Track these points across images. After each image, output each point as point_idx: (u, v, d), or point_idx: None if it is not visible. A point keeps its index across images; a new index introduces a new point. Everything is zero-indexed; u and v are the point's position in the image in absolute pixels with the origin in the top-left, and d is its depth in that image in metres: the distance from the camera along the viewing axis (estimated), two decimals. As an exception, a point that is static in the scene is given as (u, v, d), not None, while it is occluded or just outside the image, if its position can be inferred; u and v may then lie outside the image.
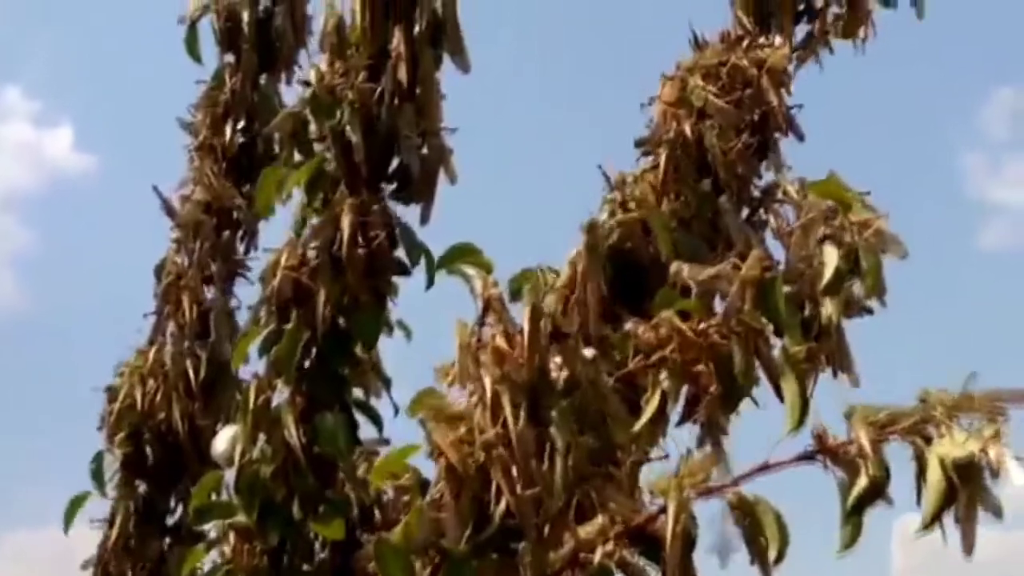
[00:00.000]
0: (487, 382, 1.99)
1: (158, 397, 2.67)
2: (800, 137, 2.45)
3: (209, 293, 2.80)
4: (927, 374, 2.17)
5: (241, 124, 2.97)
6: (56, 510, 2.77)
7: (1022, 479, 1.91)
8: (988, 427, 1.98)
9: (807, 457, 2.09)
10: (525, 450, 1.97)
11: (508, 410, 1.98)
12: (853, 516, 2.04)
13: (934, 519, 1.98)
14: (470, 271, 2.23)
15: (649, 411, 2.31)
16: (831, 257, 2.31)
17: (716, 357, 2.28)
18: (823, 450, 2.08)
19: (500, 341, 2.06)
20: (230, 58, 3.07)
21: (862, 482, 2.03)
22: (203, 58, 3.08)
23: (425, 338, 2.65)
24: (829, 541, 2.03)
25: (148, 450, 2.70)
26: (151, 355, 2.74)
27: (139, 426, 2.69)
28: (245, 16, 3.03)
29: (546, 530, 2.00)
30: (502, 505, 1.97)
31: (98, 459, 2.75)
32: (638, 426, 2.27)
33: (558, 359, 2.07)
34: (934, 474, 1.98)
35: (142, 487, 2.71)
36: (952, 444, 1.98)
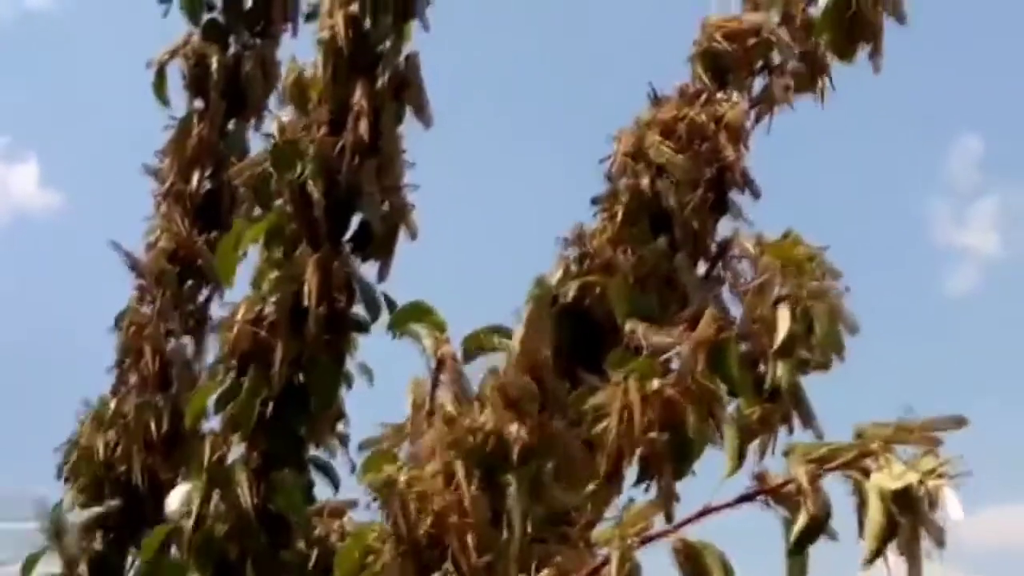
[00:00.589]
0: (439, 449, 2.00)
1: (118, 449, 2.67)
2: (756, 194, 2.46)
3: (172, 344, 2.80)
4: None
5: (209, 171, 2.96)
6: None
7: (959, 513, 1.93)
8: (926, 458, 1.99)
9: (748, 498, 2.10)
10: (480, 518, 1.98)
11: (462, 478, 1.98)
12: (796, 554, 2.04)
13: (877, 552, 1.98)
14: (421, 331, 2.24)
15: (603, 472, 2.34)
16: (784, 321, 2.33)
17: (670, 418, 2.30)
18: (763, 490, 2.08)
19: (452, 406, 2.08)
20: (199, 103, 3.07)
21: (802, 520, 2.03)
22: (171, 102, 3.08)
23: (388, 384, 2.66)
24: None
25: (108, 502, 2.69)
26: (112, 405, 2.74)
27: (99, 478, 2.69)
28: (214, 61, 3.03)
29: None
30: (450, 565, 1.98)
31: (56, 509, 2.75)
32: (591, 487, 2.30)
33: (513, 426, 2.08)
34: (873, 506, 1.99)
35: (99, 541, 2.71)
36: (889, 476, 1.99)
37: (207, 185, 2.97)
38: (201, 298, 2.91)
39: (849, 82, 2.82)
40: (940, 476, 1.99)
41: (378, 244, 2.41)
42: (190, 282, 2.89)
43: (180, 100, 3.06)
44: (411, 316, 2.29)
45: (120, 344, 2.80)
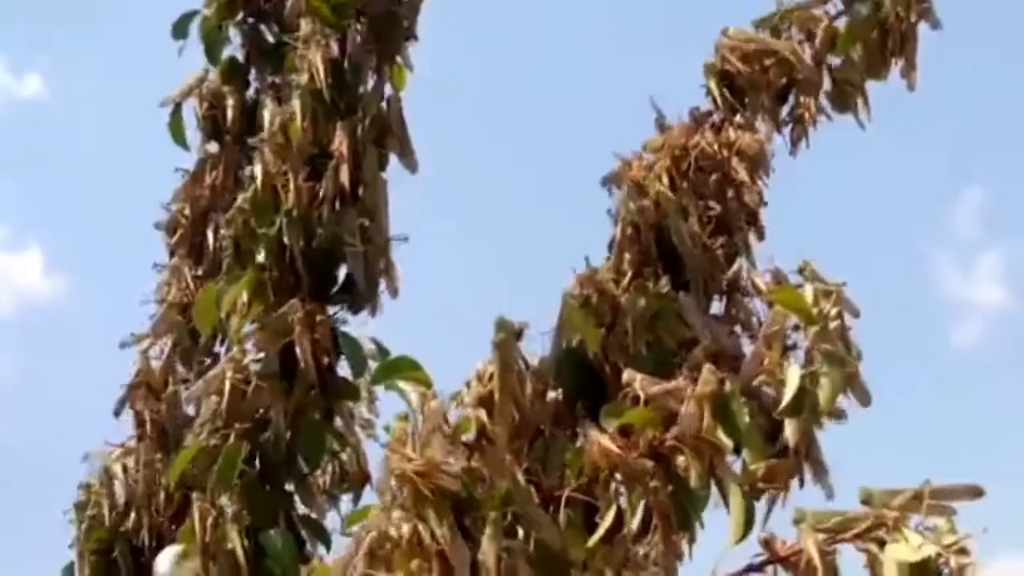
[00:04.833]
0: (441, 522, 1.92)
1: (129, 512, 2.62)
2: (760, 236, 2.30)
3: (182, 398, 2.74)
4: (902, 473, 2.04)
5: (224, 219, 2.88)
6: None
7: None
8: (944, 528, 1.89)
9: (755, 568, 2.01)
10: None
11: (438, 531, 1.89)
12: None
13: None
14: (406, 386, 2.13)
15: (604, 527, 2.21)
16: (793, 379, 2.17)
17: (671, 474, 2.17)
18: (772, 560, 1.99)
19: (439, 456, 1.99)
20: (213, 147, 3.00)
21: None
22: (186, 143, 2.98)
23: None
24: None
25: (118, 565, 2.64)
26: (117, 466, 2.69)
27: (108, 541, 2.65)
28: (230, 103, 2.95)
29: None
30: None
31: (68, 573, 2.71)
32: (592, 542, 2.18)
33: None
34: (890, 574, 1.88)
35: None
36: (907, 548, 1.89)
37: (222, 234, 2.89)
38: (217, 349, 2.85)
39: (852, 129, 2.64)
40: (964, 551, 1.85)
41: (362, 295, 2.31)
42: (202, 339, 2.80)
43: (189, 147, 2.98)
44: (394, 371, 2.19)
45: (125, 400, 2.74)
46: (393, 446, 1.95)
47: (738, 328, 2.33)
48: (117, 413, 2.71)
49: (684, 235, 2.33)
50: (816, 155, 2.57)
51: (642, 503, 2.16)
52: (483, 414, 2.02)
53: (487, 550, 1.91)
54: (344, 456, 2.69)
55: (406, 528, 1.91)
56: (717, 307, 2.37)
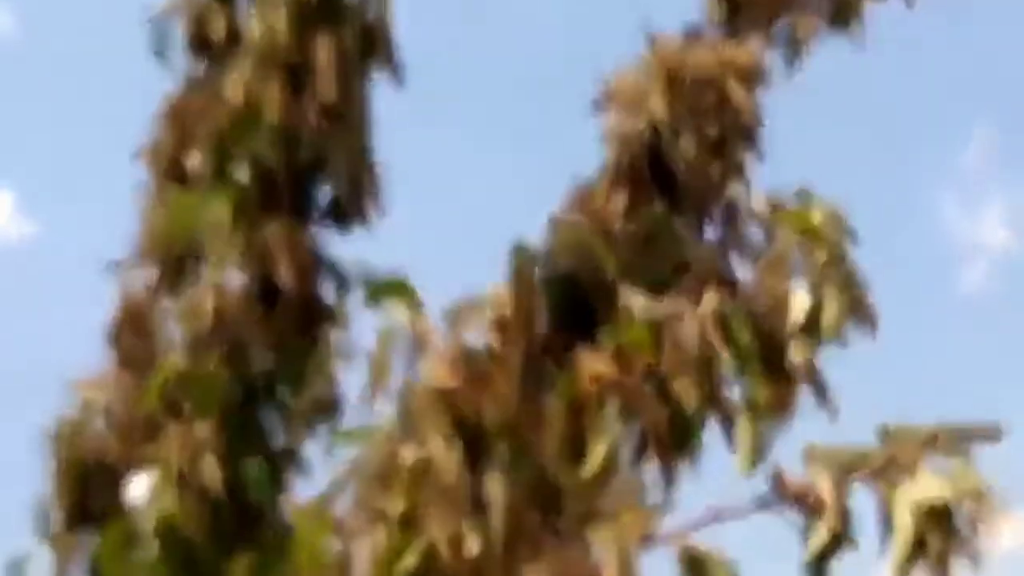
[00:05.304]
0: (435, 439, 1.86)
1: (107, 440, 2.54)
2: (760, 155, 2.22)
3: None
4: (903, 417, 1.97)
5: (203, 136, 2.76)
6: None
7: (1016, 539, 1.74)
8: (961, 471, 1.83)
9: (764, 505, 1.95)
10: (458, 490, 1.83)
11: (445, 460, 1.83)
12: (815, 570, 1.88)
13: (905, 570, 1.81)
14: (398, 310, 2.05)
15: (597, 454, 2.16)
16: (802, 300, 2.11)
17: (668, 396, 2.11)
18: (782, 496, 1.93)
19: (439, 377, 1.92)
20: (197, 68, 2.87)
21: (823, 533, 1.87)
22: (169, 62, 2.85)
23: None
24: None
25: (94, 491, 2.56)
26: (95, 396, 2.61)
27: (84, 467, 2.57)
28: (216, 21, 2.82)
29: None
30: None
31: (42, 507, 2.64)
32: (585, 471, 2.13)
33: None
34: (904, 522, 1.83)
35: (84, 536, 2.59)
36: (923, 490, 1.83)
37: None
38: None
39: (863, 62, 2.55)
40: (983, 497, 1.79)
41: (348, 213, 2.22)
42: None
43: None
44: (385, 292, 2.12)
45: (110, 328, 2.64)
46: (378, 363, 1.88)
47: (734, 253, 2.27)
48: (112, 342, 2.62)
49: (679, 156, 2.26)
50: (818, 84, 2.48)
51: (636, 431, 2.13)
52: (496, 339, 1.96)
53: (494, 484, 1.85)
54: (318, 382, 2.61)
55: (411, 455, 1.84)
56: (713, 232, 2.30)
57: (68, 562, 2.56)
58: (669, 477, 2.09)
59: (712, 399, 2.08)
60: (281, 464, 2.27)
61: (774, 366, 2.13)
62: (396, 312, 2.13)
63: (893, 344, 2.05)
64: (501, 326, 2.09)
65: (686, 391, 2.06)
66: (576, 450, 2.16)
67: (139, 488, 2.23)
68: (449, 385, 1.91)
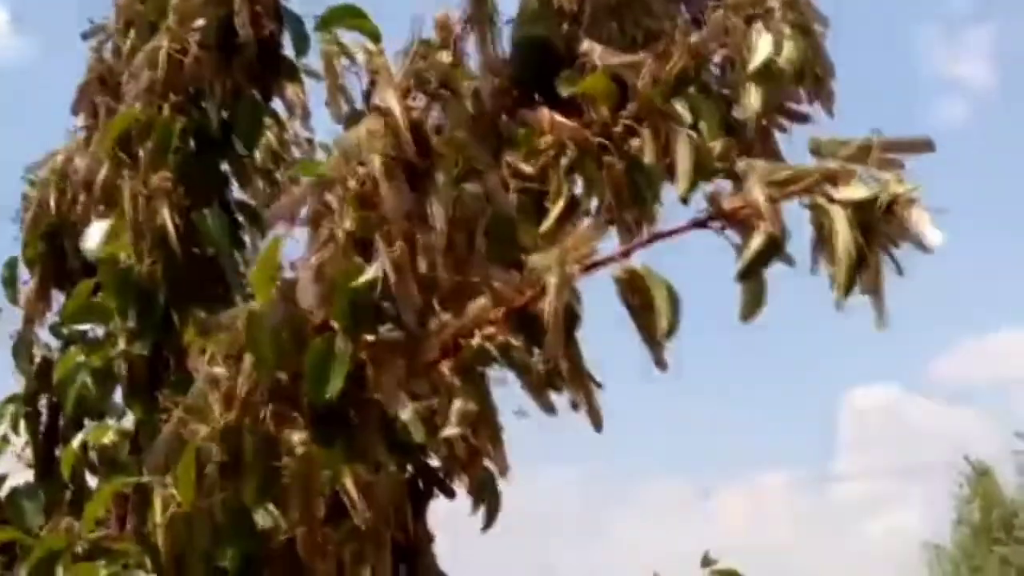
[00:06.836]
0: (373, 159, 1.82)
1: (76, 201, 2.52)
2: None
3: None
4: None
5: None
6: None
7: (936, 237, 1.72)
8: (892, 180, 1.78)
9: (701, 223, 1.89)
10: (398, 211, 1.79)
11: (378, 171, 1.80)
12: (750, 278, 1.83)
13: (849, 282, 1.78)
14: (353, 44, 2.05)
15: (555, 211, 2.16)
16: (764, 44, 2.12)
17: (624, 152, 2.11)
18: (717, 214, 1.86)
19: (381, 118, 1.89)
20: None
21: (758, 239, 1.82)
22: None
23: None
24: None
25: (65, 251, 2.55)
26: (64, 161, 2.58)
27: (55, 233, 2.57)
28: None
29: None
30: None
31: (11, 265, 2.64)
32: (544, 227, 2.13)
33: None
34: (840, 229, 1.78)
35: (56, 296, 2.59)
36: (854, 189, 1.79)
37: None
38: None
39: None
40: (911, 199, 1.78)
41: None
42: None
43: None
44: (339, 19, 2.10)
45: (77, 98, 2.62)
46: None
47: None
48: (75, 111, 2.60)
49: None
50: None
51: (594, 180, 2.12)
52: (447, 59, 1.95)
53: (438, 197, 1.82)
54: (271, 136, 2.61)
55: (353, 179, 1.82)
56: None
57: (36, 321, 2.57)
58: (624, 225, 2.09)
59: (668, 155, 2.10)
60: (237, 218, 2.28)
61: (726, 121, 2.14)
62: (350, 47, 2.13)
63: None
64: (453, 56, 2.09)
65: (646, 142, 2.08)
66: (536, 207, 2.17)
67: (95, 238, 2.23)
68: (397, 108, 1.83)
